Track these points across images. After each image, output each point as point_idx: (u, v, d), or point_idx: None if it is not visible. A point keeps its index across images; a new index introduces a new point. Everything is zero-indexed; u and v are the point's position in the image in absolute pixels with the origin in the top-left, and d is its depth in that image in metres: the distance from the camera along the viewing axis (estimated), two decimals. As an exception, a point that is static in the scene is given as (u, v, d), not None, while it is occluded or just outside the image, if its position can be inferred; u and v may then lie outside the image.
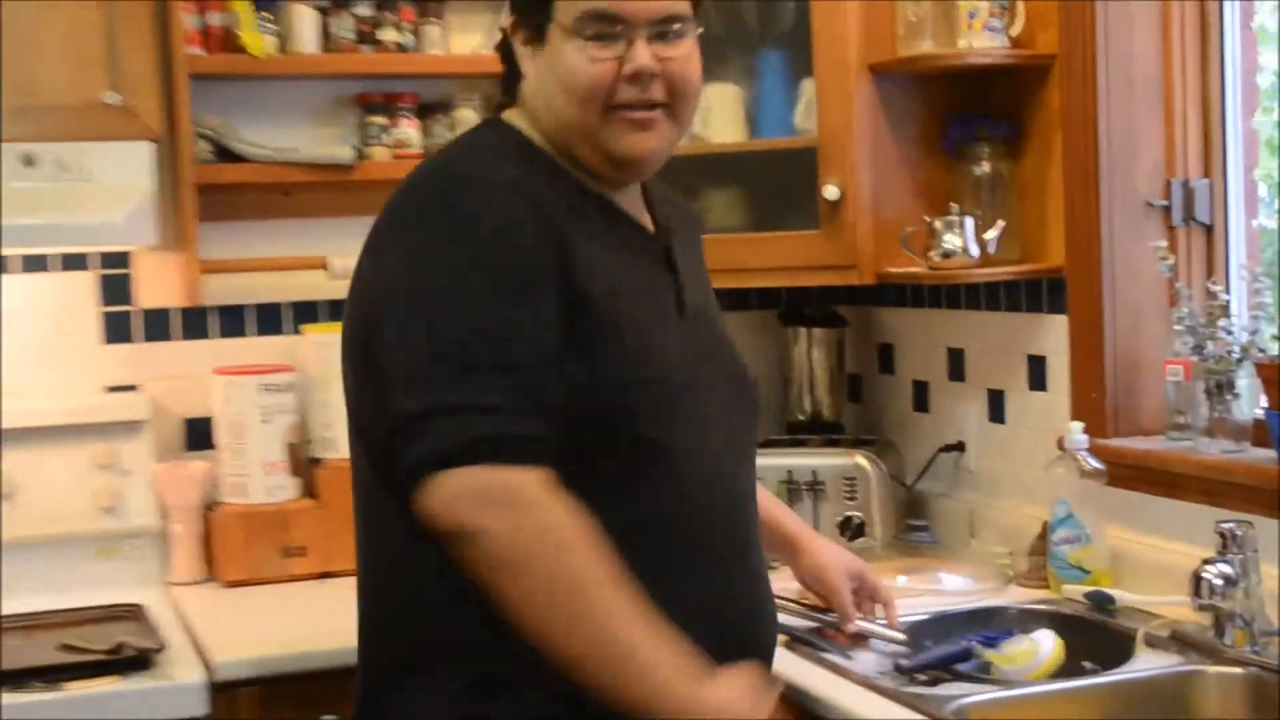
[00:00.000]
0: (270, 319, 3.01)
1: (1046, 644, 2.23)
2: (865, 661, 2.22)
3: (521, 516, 1.60)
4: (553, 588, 1.59)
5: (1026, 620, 2.41)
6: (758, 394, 1.97)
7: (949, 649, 2.24)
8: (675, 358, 1.80)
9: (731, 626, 1.79)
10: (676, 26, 1.79)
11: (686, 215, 2.05)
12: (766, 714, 1.69)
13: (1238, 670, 2.12)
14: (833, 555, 2.27)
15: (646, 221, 1.90)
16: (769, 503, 2.17)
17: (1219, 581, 2.14)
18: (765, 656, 1.85)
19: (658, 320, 1.81)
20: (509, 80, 1.89)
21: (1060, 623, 2.37)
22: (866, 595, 2.28)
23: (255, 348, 2.99)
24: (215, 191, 2.82)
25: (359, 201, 2.71)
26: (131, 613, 2.61)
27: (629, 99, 1.78)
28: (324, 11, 2.93)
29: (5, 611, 2.65)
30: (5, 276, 2.89)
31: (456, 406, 1.61)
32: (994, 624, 2.41)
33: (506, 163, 1.77)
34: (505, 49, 1.89)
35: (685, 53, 1.81)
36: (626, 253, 1.82)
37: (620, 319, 1.74)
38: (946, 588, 2.58)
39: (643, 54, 1.76)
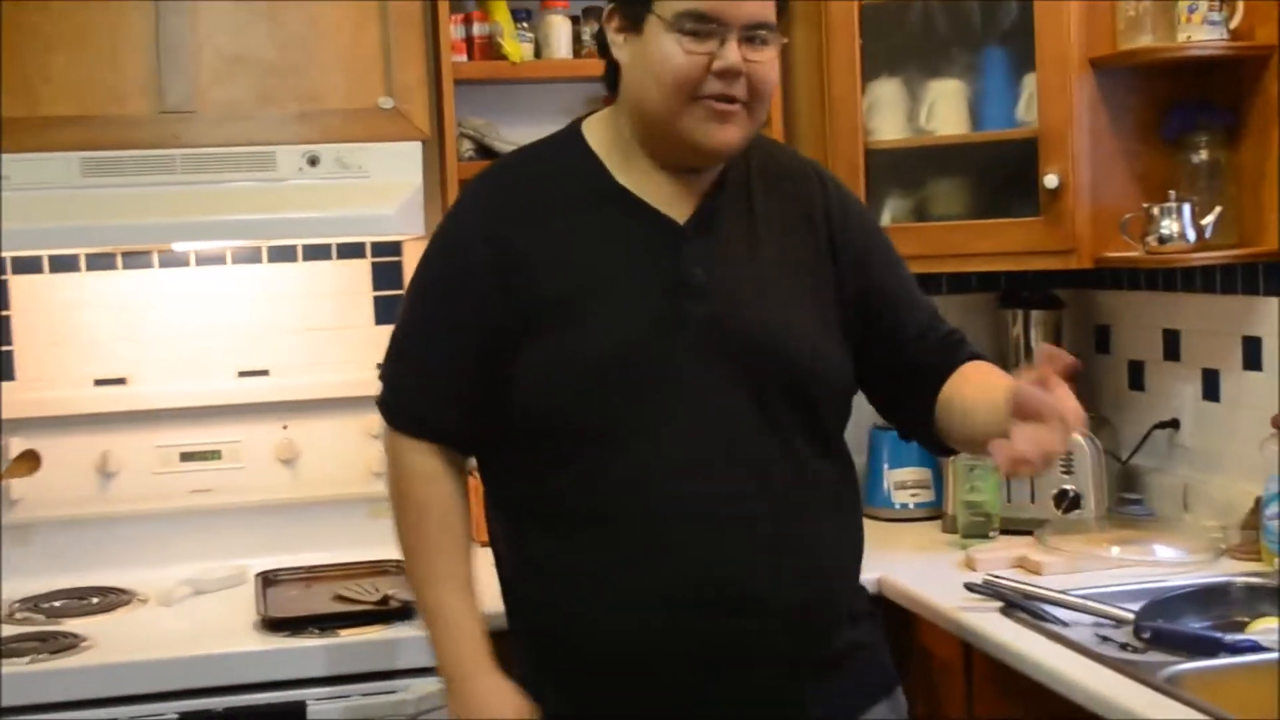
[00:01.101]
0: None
1: None
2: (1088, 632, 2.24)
3: (396, 473, 2.04)
4: (403, 537, 2.03)
5: (1257, 600, 2.38)
6: (799, 373, 1.96)
7: (1189, 629, 2.25)
8: (634, 348, 1.91)
9: (669, 611, 1.89)
10: (764, 33, 1.90)
11: (789, 188, 2.07)
12: None
13: None
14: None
15: (679, 213, 1.98)
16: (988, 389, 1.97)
17: None
18: (720, 641, 1.90)
19: (626, 313, 1.93)
20: (611, 78, 2.02)
21: None
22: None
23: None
24: None
25: None
26: (398, 568, 2.66)
27: (714, 92, 1.90)
28: (575, 20, 3.05)
29: (288, 565, 2.83)
30: (291, 265, 3.07)
31: (387, 377, 2.06)
32: (1224, 603, 2.39)
33: (523, 169, 2.04)
34: (601, 41, 2.01)
35: (769, 58, 1.92)
36: (619, 244, 1.96)
37: (568, 316, 1.92)
38: (1159, 559, 2.59)
39: (733, 53, 1.88)
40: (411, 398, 2.02)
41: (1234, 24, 2.68)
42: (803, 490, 1.97)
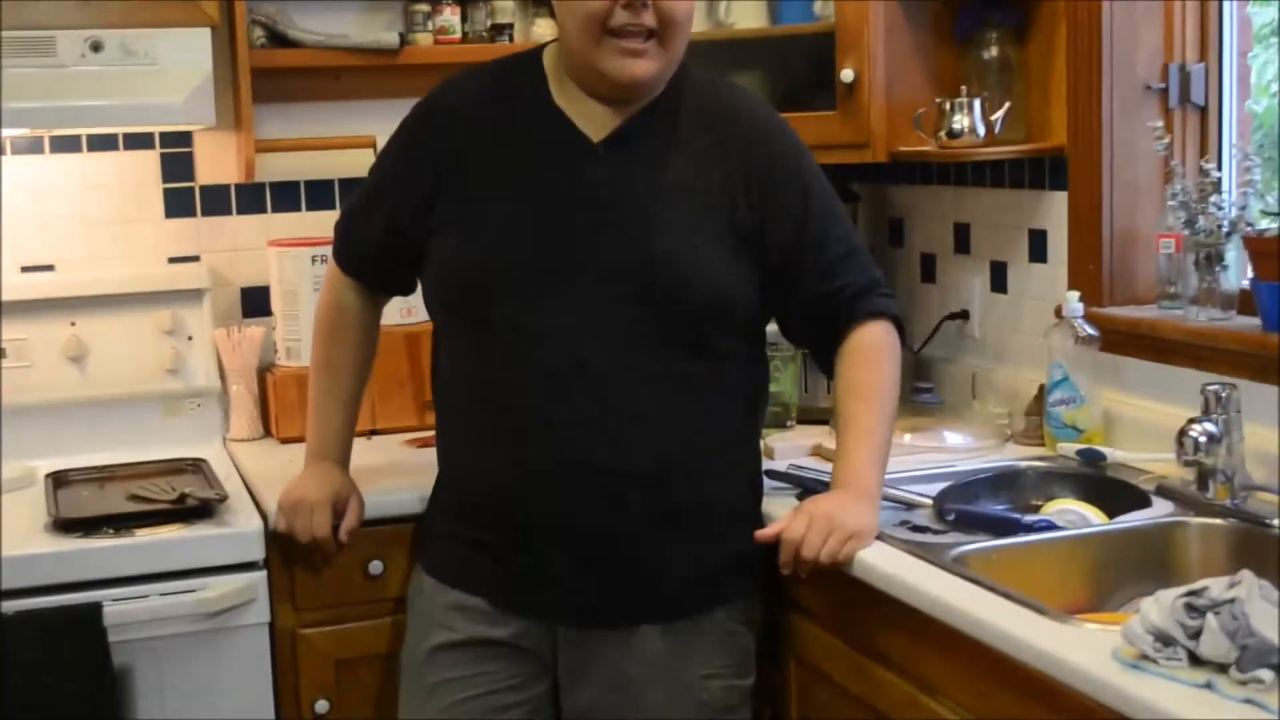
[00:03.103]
0: (321, 195, 3.10)
1: (1093, 519, 2.32)
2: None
3: (322, 296, 2.43)
4: (312, 351, 2.44)
5: (1049, 484, 2.51)
6: (673, 289, 2.10)
7: (992, 511, 2.37)
8: (521, 253, 2.12)
9: (515, 482, 2.13)
10: None
11: (721, 129, 2.19)
12: (300, 525, 2.35)
13: (1219, 521, 2.22)
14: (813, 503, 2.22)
15: (598, 133, 2.14)
16: (856, 431, 2.22)
17: (1203, 439, 2.22)
18: (550, 516, 2.12)
19: (523, 220, 2.13)
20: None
21: (1075, 484, 2.48)
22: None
23: (307, 221, 3.08)
24: (269, 75, 2.86)
25: (403, 85, 2.77)
26: (195, 466, 2.71)
27: (622, 23, 2.03)
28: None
29: (79, 465, 2.75)
30: (75, 155, 2.97)
31: (343, 210, 2.41)
32: (1017, 487, 2.50)
33: (484, 74, 2.24)
34: None
35: None
36: (537, 157, 2.15)
37: (481, 211, 2.14)
38: (948, 444, 2.68)
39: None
40: (345, 233, 2.38)
41: (1023, -77, 2.73)
42: (665, 387, 2.12)
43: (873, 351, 2.23)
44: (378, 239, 2.30)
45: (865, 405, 2.21)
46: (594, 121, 2.15)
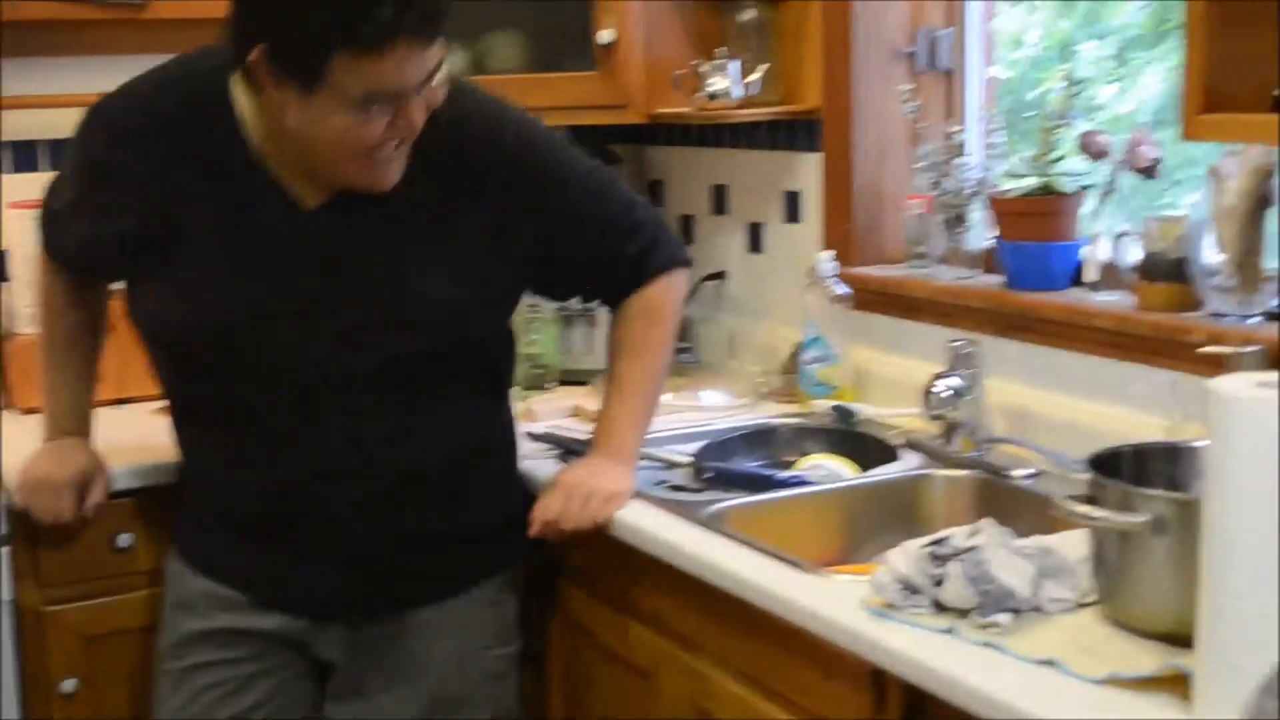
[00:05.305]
0: (62, 155, 2.97)
1: (845, 473, 2.38)
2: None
3: (39, 283, 2.30)
4: (40, 336, 2.32)
5: (803, 440, 2.54)
6: (419, 343, 2.04)
7: (747, 468, 2.41)
8: (248, 312, 2.00)
9: (265, 500, 2.10)
10: (439, 71, 1.87)
11: (453, 162, 2.02)
12: (42, 505, 2.27)
13: (964, 473, 2.30)
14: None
15: (311, 195, 1.98)
16: (622, 393, 2.23)
17: (948, 394, 2.30)
18: (294, 526, 2.10)
19: (250, 277, 2.00)
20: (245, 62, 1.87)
21: (828, 439, 2.52)
22: None
23: (46, 182, 2.96)
24: (11, 28, 2.74)
25: (150, 40, 2.69)
26: None
27: (389, 144, 1.89)
28: None
29: None
30: None
31: (44, 198, 2.22)
32: (772, 444, 2.54)
33: (166, 95, 2.02)
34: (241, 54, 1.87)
35: (440, 83, 1.90)
36: (255, 217, 1.99)
37: (192, 271, 2.01)
38: (705, 403, 2.72)
39: (418, 114, 1.87)
40: (48, 226, 2.21)
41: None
42: (411, 404, 2.07)
43: (651, 311, 2.22)
44: (80, 249, 2.17)
45: (638, 362, 2.22)
46: (307, 184, 1.99)
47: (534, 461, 2.37)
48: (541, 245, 2.11)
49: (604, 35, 2.80)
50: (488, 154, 2.04)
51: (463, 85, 2.05)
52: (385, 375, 2.04)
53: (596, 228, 2.16)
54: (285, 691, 2.17)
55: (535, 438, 2.46)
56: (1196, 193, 2.32)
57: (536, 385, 2.88)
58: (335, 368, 2.02)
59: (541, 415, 2.65)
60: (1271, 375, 1.42)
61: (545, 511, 2.15)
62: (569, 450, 2.40)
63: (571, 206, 2.13)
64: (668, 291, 2.23)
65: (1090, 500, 1.63)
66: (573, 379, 2.93)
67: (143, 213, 2.03)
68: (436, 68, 1.86)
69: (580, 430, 2.48)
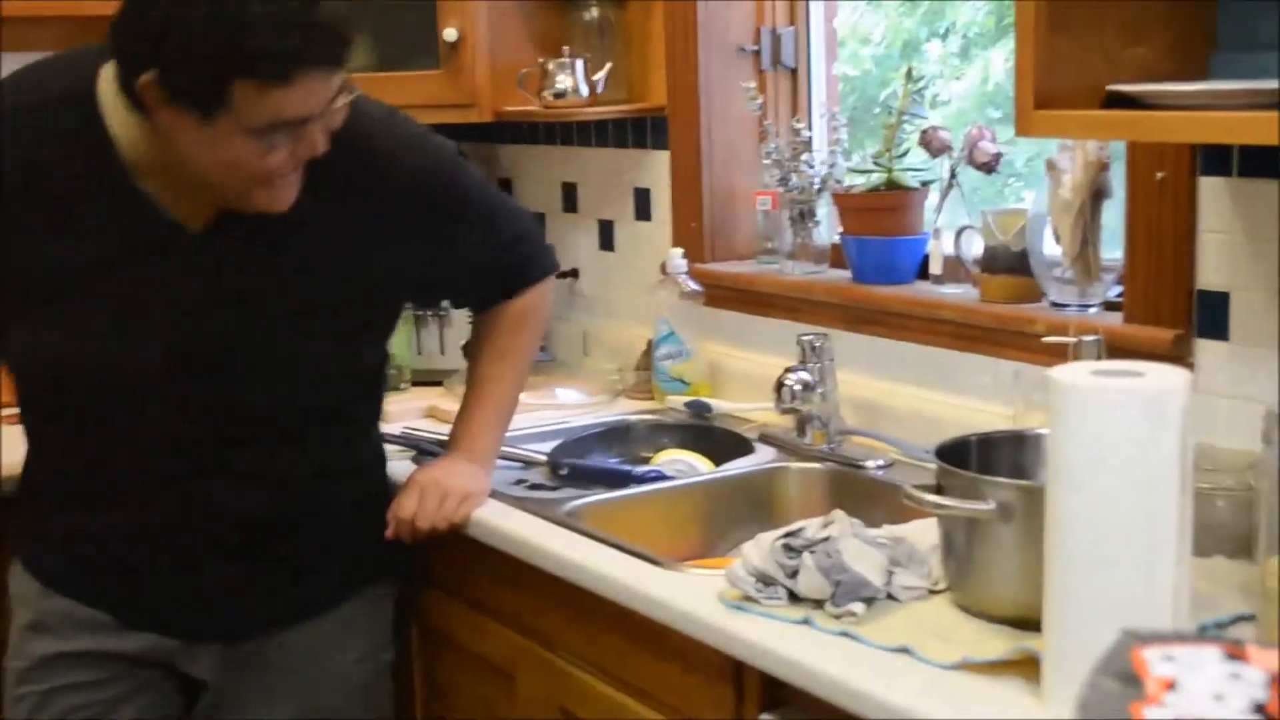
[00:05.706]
0: None
1: (701, 468, 2.40)
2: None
3: None
4: None
5: (658, 435, 2.57)
6: (282, 380, 1.98)
7: (604, 465, 2.42)
8: (125, 351, 1.90)
9: (138, 531, 2.01)
10: (341, 95, 1.80)
11: (335, 180, 1.92)
12: None
13: (817, 465, 2.33)
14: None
15: (194, 216, 1.88)
16: (481, 398, 2.22)
17: (799, 387, 2.32)
18: (149, 580, 2.02)
19: (127, 313, 1.89)
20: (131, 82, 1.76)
21: (683, 435, 2.55)
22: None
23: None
24: (10, 24, 2.65)
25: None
26: None
27: (288, 168, 1.81)
28: None
29: None
30: None
31: None
32: (628, 440, 2.56)
33: (39, 113, 1.86)
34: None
35: (342, 105, 1.82)
36: (133, 247, 1.87)
37: (61, 308, 1.88)
38: (561, 401, 2.73)
39: (320, 141, 1.80)
40: None
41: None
42: (287, 434, 2.01)
43: (522, 316, 2.21)
44: None
45: (502, 364, 2.21)
46: (191, 204, 1.89)
47: (389, 463, 2.35)
48: (431, 261, 2.07)
49: (448, 33, 2.80)
50: (380, 170, 1.97)
51: (356, 100, 1.94)
52: (271, 414, 1.99)
53: (484, 242, 2.13)
54: (155, 709, 2.10)
55: (390, 439, 2.44)
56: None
57: (390, 386, 2.85)
58: (221, 408, 1.95)
59: (395, 416, 2.63)
60: (1109, 363, 1.46)
61: (401, 510, 2.13)
62: (423, 451, 2.39)
63: (465, 225, 2.09)
64: (540, 299, 2.23)
65: (939, 489, 1.66)
66: (425, 379, 2.91)
67: (11, 255, 1.88)
68: (340, 92, 1.81)
69: (435, 431, 2.46)
